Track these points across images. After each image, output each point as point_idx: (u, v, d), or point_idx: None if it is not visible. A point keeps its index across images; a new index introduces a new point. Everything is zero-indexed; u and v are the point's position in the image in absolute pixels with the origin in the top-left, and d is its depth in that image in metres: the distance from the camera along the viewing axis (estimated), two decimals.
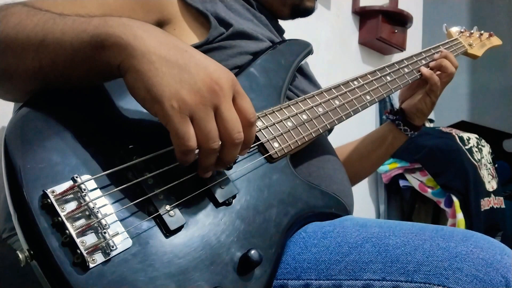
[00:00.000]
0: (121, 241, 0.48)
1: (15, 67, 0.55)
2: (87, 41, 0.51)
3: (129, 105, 0.59)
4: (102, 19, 0.52)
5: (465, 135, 2.21)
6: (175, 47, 0.52)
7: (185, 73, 0.49)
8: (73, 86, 0.56)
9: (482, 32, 1.24)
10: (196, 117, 0.49)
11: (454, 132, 2.23)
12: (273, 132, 0.68)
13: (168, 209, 0.52)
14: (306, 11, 1.01)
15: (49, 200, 0.46)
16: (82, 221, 0.47)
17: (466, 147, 2.14)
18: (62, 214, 0.46)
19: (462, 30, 1.20)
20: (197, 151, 0.52)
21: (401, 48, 2.40)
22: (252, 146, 0.65)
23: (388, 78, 0.91)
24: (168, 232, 0.51)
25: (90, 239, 0.46)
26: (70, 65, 0.53)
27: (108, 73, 0.52)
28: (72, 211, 0.47)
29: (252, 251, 0.54)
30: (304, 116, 0.73)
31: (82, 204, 0.47)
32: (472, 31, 1.22)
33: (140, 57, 0.49)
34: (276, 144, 0.67)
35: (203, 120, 0.49)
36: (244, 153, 0.56)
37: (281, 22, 1.04)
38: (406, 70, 0.96)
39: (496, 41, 1.28)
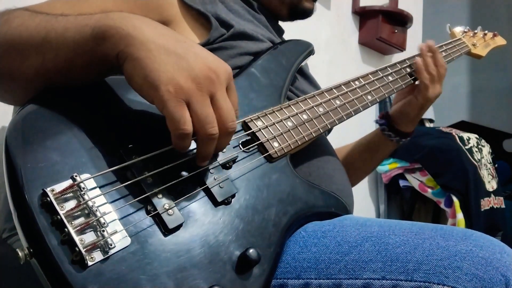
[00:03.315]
0: (119, 240, 0.48)
1: (18, 65, 0.56)
2: (88, 33, 0.52)
3: (129, 104, 0.59)
4: (103, 14, 0.54)
5: (465, 135, 2.20)
6: (174, 38, 0.53)
7: (183, 61, 0.51)
8: (74, 81, 0.57)
9: (486, 32, 1.24)
10: (193, 102, 0.50)
11: (454, 132, 2.23)
12: (273, 132, 0.68)
13: (167, 208, 0.52)
14: (304, 12, 1.00)
15: (48, 199, 0.46)
16: (81, 220, 0.47)
17: (466, 147, 2.14)
18: (61, 212, 0.46)
19: (465, 30, 1.20)
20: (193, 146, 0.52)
21: (401, 48, 2.41)
22: (251, 145, 0.65)
23: (390, 78, 0.91)
24: (167, 231, 0.52)
25: (89, 237, 0.47)
26: (72, 59, 0.54)
27: (107, 64, 0.53)
28: (71, 209, 0.47)
29: (251, 250, 0.54)
30: (305, 116, 0.73)
31: (81, 203, 0.48)
32: (476, 31, 1.21)
33: (139, 45, 0.50)
34: (276, 144, 0.67)
35: (199, 105, 0.50)
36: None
37: (281, 23, 1.04)
38: (408, 70, 0.96)
39: (500, 41, 1.27)
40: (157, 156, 0.55)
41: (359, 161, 1.08)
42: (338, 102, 0.79)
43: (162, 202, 0.52)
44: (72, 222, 0.46)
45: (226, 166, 0.61)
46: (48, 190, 0.47)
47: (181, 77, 0.50)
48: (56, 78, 0.56)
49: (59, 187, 0.47)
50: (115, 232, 0.48)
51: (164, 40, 0.52)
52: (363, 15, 2.36)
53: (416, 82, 0.98)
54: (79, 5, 0.68)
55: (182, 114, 0.49)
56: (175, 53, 0.51)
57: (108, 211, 0.49)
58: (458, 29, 1.19)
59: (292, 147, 0.69)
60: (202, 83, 0.50)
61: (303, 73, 0.93)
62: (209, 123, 0.51)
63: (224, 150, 0.61)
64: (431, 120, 2.63)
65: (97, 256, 0.46)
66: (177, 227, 0.52)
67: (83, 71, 0.55)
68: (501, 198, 2.25)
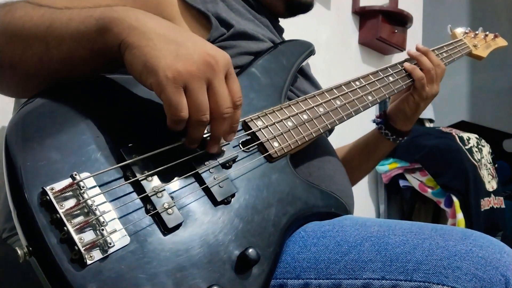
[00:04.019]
0: (119, 238, 0.48)
1: (21, 55, 0.57)
2: (92, 24, 0.54)
3: (129, 103, 0.59)
4: (108, 7, 0.55)
5: (465, 135, 2.20)
6: (174, 28, 0.55)
7: (182, 48, 0.52)
8: (74, 73, 0.57)
9: (487, 33, 1.24)
10: (190, 88, 0.51)
11: (454, 132, 2.23)
12: (273, 132, 0.68)
13: (166, 207, 0.52)
14: (301, 5, 0.97)
15: (48, 197, 0.46)
16: (80, 218, 0.47)
17: (466, 147, 2.14)
18: (60, 211, 0.46)
19: (467, 31, 1.20)
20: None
21: (401, 48, 2.40)
22: (251, 145, 0.65)
23: (391, 78, 0.91)
24: (166, 230, 0.52)
25: (88, 236, 0.47)
26: (75, 48, 0.55)
27: (109, 55, 0.55)
28: (71, 208, 0.47)
29: (250, 250, 0.54)
30: (305, 116, 0.73)
31: (80, 202, 0.48)
32: (477, 32, 1.21)
33: (140, 35, 0.52)
34: (276, 144, 0.67)
35: (195, 92, 0.51)
36: (231, 138, 0.59)
37: (281, 21, 1.04)
38: None
39: (501, 42, 1.27)
40: (157, 155, 0.55)
41: (357, 161, 1.08)
42: (338, 102, 0.79)
43: (161, 201, 0.52)
44: (72, 221, 0.46)
45: (226, 165, 0.61)
46: (47, 188, 0.47)
47: (179, 63, 0.51)
48: (57, 68, 0.57)
49: (59, 185, 0.47)
50: (115, 231, 0.48)
51: (165, 30, 0.53)
52: (363, 15, 2.36)
53: None
54: (79, 1, 0.69)
55: (180, 100, 0.50)
56: (175, 41, 0.52)
57: (108, 210, 0.49)
58: (459, 30, 1.19)
59: (292, 147, 0.69)
60: (200, 68, 0.51)
61: (303, 73, 0.93)
62: (202, 111, 0.52)
63: (224, 149, 0.61)
64: (431, 120, 2.63)
65: (96, 255, 0.46)
66: (177, 226, 0.52)
67: (84, 62, 0.56)
68: (501, 198, 2.25)
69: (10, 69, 0.59)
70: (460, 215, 1.98)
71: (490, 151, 2.32)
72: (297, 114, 0.72)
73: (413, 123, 1.03)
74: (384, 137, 1.03)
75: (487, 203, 2.10)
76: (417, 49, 0.98)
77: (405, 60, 0.97)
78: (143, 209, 0.52)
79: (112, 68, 0.59)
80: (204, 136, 0.58)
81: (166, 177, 0.55)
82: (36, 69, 0.57)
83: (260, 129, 0.67)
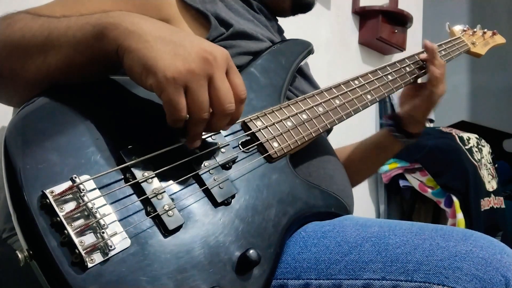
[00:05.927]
0: (119, 241, 0.48)
1: (21, 66, 0.58)
2: (89, 31, 0.54)
3: (129, 105, 0.59)
4: (103, 13, 0.55)
5: (465, 135, 2.20)
6: (170, 29, 0.55)
7: (179, 48, 0.52)
8: (73, 80, 0.57)
9: (485, 30, 1.23)
10: (190, 87, 0.51)
11: (454, 132, 2.23)
12: (272, 132, 0.68)
13: (167, 209, 0.52)
14: (306, 6, 1.00)
15: (48, 200, 0.46)
16: (80, 221, 0.47)
17: (466, 147, 2.14)
18: (60, 214, 0.46)
19: (465, 28, 1.20)
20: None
21: (401, 48, 2.40)
22: (251, 146, 0.65)
23: (390, 77, 0.91)
24: (167, 232, 0.51)
25: (89, 239, 0.46)
26: (72, 56, 0.55)
27: (107, 61, 0.55)
28: (71, 211, 0.47)
29: (251, 251, 0.54)
30: (304, 116, 0.73)
31: (80, 204, 0.48)
32: (475, 30, 1.21)
33: (137, 38, 0.52)
34: (275, 144, 0.67)
35: (196, 91, 0.51)
36: (227, 128, 0.58)
37: (281, 22, 1.04)
38: (407, 69, 0.95)
39: (499, 39, 1.27)
40: (157, 157, 0.55)
41: (364, 161, 1.08)
42: (337, 101, 0.79)
43: (162, 203, 0.52)
44: (72, 224, 0.46)
45: (226, 166, 0.61)
46: (47, 191, 0.47)
47: (178, 62, 0.51)
48: (55, 76, 0.57)
49: (59, 188, 0.47)
50: (115, 233, 0.48)
51: (161, 31, 0.53)
52: (363, 15, 2.36)
53: (419, 81, 0.98)
54: (77, 8, 0.69)
55: (179, 101, 0.51)
56: (172, 41, 0.52)
57: (108, 213, 0.49)
58: (457, 28, 1.19)
59: (292, 147, 0.69)
60: (200, 66, 0.52)
61: (302, 72, 0.93)
62: (203, 109, 0.52)
63: (224, 150, 0.61)
64: (431, 120, 2.63)
65: (97, 257, 0.46)
66: (177, 228, 0.52)
67: (82, 69, 0.56)
68: (501, 198, 2.25)
69: (11, 81, 0.59)
70: (460, 215, 1.98)
71: (490, 151, 2.32)
72: (296, 114, 0.72)
73: (424, 125, 1.03)
74: (396, 139, 1.03)
75: (487, 203, 2.10)
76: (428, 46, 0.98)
77: (404, 59, 0.97)
78: (144, 211, 0.52)
79: (110, 73, 0.59)
80: (203, 137, 0.58)
81: (166, 179, 0.55)
82: (35, 79, 0.57)
83: (259, 130, 0.67)
